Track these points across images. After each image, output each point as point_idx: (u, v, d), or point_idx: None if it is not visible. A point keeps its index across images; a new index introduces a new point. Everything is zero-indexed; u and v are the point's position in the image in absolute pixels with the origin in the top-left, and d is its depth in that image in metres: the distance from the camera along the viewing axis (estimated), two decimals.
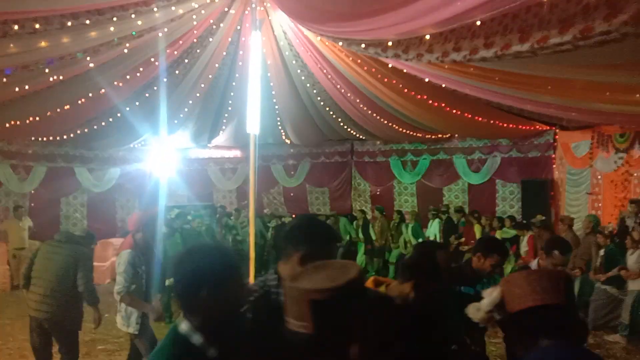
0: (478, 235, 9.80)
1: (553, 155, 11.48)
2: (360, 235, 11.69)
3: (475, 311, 1.90)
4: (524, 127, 10.85)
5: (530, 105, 8.51)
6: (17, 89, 7.88)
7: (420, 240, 10.18)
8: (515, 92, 7.55)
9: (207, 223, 10.32)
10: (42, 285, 4.59)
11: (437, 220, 10.95)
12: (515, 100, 8.36)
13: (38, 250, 4.88)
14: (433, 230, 10.86)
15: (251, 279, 6.95)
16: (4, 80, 7.31)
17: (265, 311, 1.94)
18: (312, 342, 1.25)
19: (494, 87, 7.41)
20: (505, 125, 10.44)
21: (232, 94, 10.37)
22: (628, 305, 6.72)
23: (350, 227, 11.82)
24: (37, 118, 9.39)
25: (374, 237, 11.46)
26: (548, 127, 11.13)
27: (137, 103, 9.64)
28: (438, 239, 10.31)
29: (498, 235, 9.31)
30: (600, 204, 9.91)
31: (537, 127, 11.01)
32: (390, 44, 5.18)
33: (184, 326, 1.72)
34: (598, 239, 7.51)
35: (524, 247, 9.13)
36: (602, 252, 7.29)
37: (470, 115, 9.72)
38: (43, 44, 6.32)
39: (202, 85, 9.80)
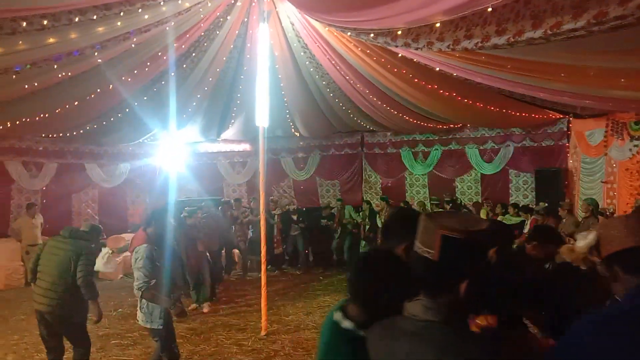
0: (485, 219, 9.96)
1: (567, 144, 11.32)
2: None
3: (570, 252, 2.23)
4: (537, 116, 10.70)
5: (544, 93, 8.37)
6: (26, 86, 7.90)
7: None
8: (528, 80, 7.42)
9: (213, 214, 10.28)
10: (45, 280, 4.72)
11: (440, 210, 10.96)
12: (527, 89, 8.23)
13: (44, 246, 5.00)
14: None
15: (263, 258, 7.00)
16: (14, 77, 7.32)
17: None
18: (434, 267, 1.56)
19: (506, 75, 7.28)
20: (518, 114, 10.30)
21: (240, 87, 10.32)
22: None
23: (356, 215, 11.78)
24: (47, 115, 9.43)
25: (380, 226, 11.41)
26: (561, 116, 10.97)
27: (145, 98, 9.64)
28: None
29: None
30: (615, 193, 9.75)
31: (551, 115, 10.86)
32: (400, 32, 5.09)
33: (347, 323, 1.88)
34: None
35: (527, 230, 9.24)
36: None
37: (482, 105, 9.59)
38: (51, 40, 6.31)
39: (210, 79, 9.76)
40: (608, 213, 7.81)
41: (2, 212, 10.87)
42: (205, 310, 8.01)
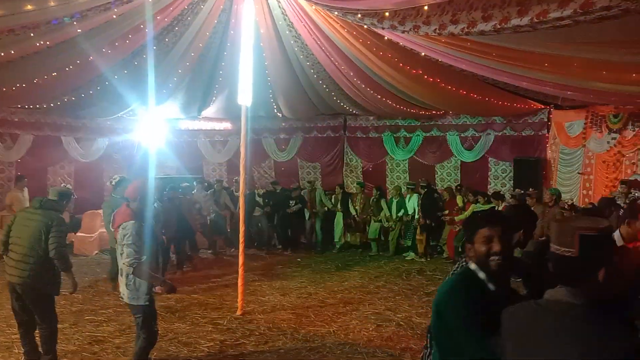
0: (460, 205, 10.34)
1: (547, 134, 11.45)
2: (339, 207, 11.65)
3: None
4: (518, 105, 10.78)
5: (527, 82, 8.42)
6: (2, 54, 7.66)
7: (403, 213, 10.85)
8: (512, 68, 7.45)
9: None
10: (17, 251, 4.68)
11: (415, 194, 10.98)
12: (511, 77, 8.27)
13: (15, 217, 4.93)
14: (412, 204, 10.97)
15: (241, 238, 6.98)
16: None
17: None
18: (576, 262, 1.85)
19: (490, 62, 7.30)
20: (500, 103, 10.36)
21: (223, 64, 10.15)
22: None
23: (326, 199, 11.73)
24: (24, 85, 9.18)
25: (353, 212, 11.47)
26: (543, 106, 11.08)
27: (125, 71, 9.43)
28: (416, 213, 10.74)
29: (472, 209, 9.86)
30: (591, 184, 9.93)
31: (532, 105, 10.95)
32: (387, 14, 5.05)
33: (482, 275, 2.27)
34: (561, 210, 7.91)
35: None
36: None
37: (465, 92, 9.62)
38: (29, 7, 6.11)
39: (192, 54, 9.58)
40: (566, 206, 8.01)
41: None
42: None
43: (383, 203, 11.22)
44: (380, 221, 11.15)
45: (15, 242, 4.73)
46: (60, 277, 4.83)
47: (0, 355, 5.29)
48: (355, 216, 11.43)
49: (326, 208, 11.67)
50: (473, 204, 10.18)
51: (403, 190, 11.51)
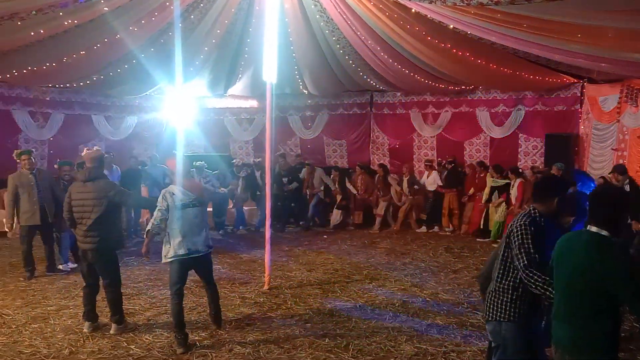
0: (490, 183, 10.22)
1: (580, 110, 11.12)
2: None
3: None
4: (550, 80, 10.48)
5: (559, 55, 8.17)
6: (32, 33, 7.79)
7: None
8: (544, 40, 7.23)
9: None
10: (84, 223, 5.16)
11: (434, 172, 11.38)
12: (543, 50, 8.03)
13: (70, 193, 5.29)
14: (431, 180, 11.35)
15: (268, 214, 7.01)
16: (19, 23, 7.21)
17: None
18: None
19: (521, 34, 7.10)
20: (531, 77, 10.10)
21: (248, 40, 10.11)
22: None
23: (327, 178, 11.64)
24: (54, 64, 9.33)
25: (354, 191, 11.53)
26: (576, 80, 10.75)
27: (152, 49, 9.49)
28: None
29: (488, 183, 10.10)
30: (625, 160, 9.62)
31: (565, 79, 10.64)
32: None
33: (605, 232, 2.64)
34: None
35: (514, 193, 9.46)
36: None
37: (495, 66, 9.40)
38: None
39: (218, 31, 9.56)
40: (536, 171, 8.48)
41: (10, 162, 10.87)
42: None
43: (391, 180, 11.38)
44: (387, 200, 11.30)
45: (80, 216, 5.17)
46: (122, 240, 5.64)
47: (37, 325, 5.49)
48: (357, 195, 11.47)
49: (322, 188, 11.54)
50: (489, 179, 10.17)
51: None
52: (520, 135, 11.96)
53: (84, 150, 5.51)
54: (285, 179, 11.41)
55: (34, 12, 6.94)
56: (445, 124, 12.92)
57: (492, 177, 10.12)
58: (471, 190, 10.71)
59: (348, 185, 11.64)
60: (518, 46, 8.18)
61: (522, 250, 2.97)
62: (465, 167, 11.66)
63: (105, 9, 7.43)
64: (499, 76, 10.04)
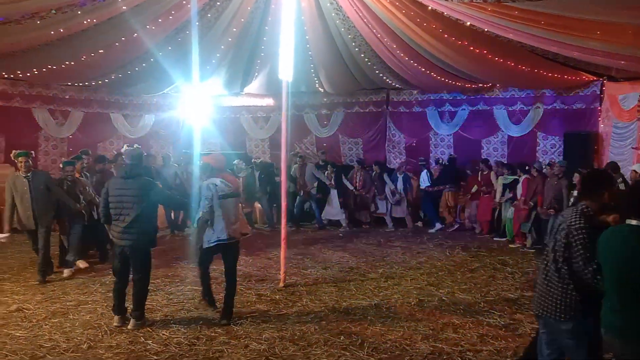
0: (500, 181, 10.31)
1: (599, 108, 10.96)
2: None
3: None
4: (569, 78, 10.35)
5: (578, 52, 8.06)
6: (52, 32, 7.90)
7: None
8: (562, 37, 7.15)
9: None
10: (122, 220, 5.23)
11: (424, 171, 11.63)
12: (561, 47, 7.93)
13: (107, 189, 5.35)
14: (421, 180, 11.63)
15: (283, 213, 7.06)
16: (38, 22, 7.32)
17: None
18: None
19: (539, 31, 7.02)
20: (549, 74, 9.97)
21: (265, 38, 10.14)
22: None
23: (319, 172, 11.52)
24: (73, 63, 9.45)
25: (350, 187, 11.52)
26: (595, 78, 10.59)
27: (169, 48, 9.56)
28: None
29: (499, 181, 10.20)
30: None
31: (584, 77, 10.49)
32: None
33: (634, 221, 2.77)
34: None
35: (519, 188, 9.62)
36: (575, 193, 7.85)
37: (513, 64, 9.30)
38: None
39: (235, 30, 9.60)
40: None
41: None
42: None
43: (386, 177, 11.42)
44: (385, 197, 11.37)
45: (117, 212, 5.24)
46: (156, 234, 5.64)
47: (56, 320, 5.57)
48: (354, 191, 11.45)
49: (315, 184, 11.48)
50: (500, 177, 10.23)
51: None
52: (539, 133, 11.83)
53: (124, 147, 5.63)
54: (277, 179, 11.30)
55: (53, 11, 7.06)
56: (462, 122, 12.83)
57: (502, 174, 10.20)
58: (474, 188, 10.76)
59: (345, 181, 11.61)
60: (536, 43, 8.08)
61: (585, 252, 3.02)
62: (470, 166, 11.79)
63: (123, 7, 7.51)
64: (517, 74, 9.94)
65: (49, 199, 7.06)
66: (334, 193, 11.47)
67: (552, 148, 11.66)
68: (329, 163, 12.10)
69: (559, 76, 10.11)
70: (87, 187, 7.74)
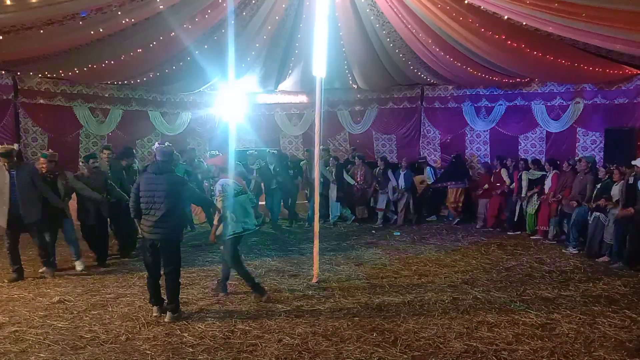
0: (505, 178, 10.71)
1: None
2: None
3: None
4: (611, 71, 9.99)
5: (621, 45, 7.80)
6: (92, 32, 8.11)
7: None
8: (604, 30, 6.93)
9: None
10: (153, 214, 5.42)
11: (428, 168, 12.14)
12: (603, 40, 7.68)
13: (139, 184, 5.54)
14: (425, 176, 12.02)
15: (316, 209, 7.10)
16: (80, 23, 7.54)
17: None
18: None
19: (580, 24, 6.82)
20: (590, 68, 9.66)
21: (299, 36, 10.18)
22: (610, 227, 7.94)
23: (326, 170, 11.32)
24: (112, 62, 9.69)
25: (352, 182, 11.43)
26: (638, 72, 10.21)
27: (205, 46, 9.69)
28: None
29: (524, 177, 10.16)
30: None
31: (627, 71, 10.12)
32: None
33: None
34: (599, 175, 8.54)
35: (547, 183, 9.74)
36: (598, 186, 8.33)
37: (552, 58, 9.05)
38: None
39: (269, 28, 9.67)
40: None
41: (72, 156, 11.40)
42: None
43: (390, 174, 11.41)
44: (387, 193, 11.37)
45: (149, 207, 5.42)
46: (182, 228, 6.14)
47: (96, 312, 5.75)
48: (356, 186, 11.37)
49: (321, 180, 11.26)
50: (524, 172, 10.22)
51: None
52: (579, 129, 11.51)
53: (155, 145, 5.90)
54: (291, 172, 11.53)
55: (94, 12, 7.25)
56: (499, 117, 12.60)
57: (528, 169, 10.27)
58: (485, 186, 11.03)
59: (345, 176, 11.53)
60: (576, 37, 7.86)
61: None
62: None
63: (160, 7, 7.65)
64: (556, 68, 9.67)
65: (33, 192, 6.88)
66: (333, 187, 11.47)
67: (592, 144, 11.33)
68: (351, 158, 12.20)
69: (601, 70, 9.79)
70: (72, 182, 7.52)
